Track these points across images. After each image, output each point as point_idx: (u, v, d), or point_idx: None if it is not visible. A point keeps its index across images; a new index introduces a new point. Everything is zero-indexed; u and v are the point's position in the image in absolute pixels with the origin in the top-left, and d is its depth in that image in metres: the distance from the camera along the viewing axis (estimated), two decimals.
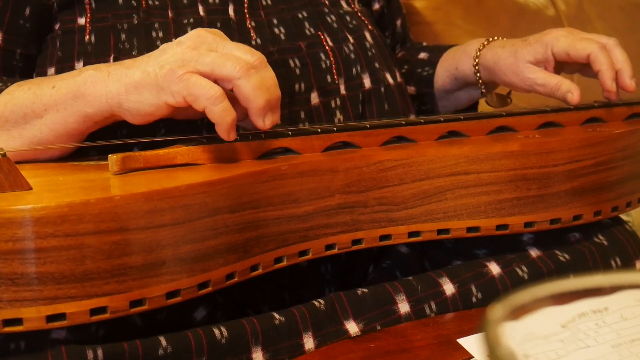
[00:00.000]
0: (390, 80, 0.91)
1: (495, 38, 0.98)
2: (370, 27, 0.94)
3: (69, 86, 0.71)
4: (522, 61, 0.91)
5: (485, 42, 0.97)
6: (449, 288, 0.73)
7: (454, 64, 1.01)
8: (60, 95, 0.71)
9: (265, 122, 0.68)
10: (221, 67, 0.66)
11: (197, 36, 0.69)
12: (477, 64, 0.97)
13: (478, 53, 0.96)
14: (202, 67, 0.66)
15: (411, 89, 1.07)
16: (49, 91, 0.72)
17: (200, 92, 0.65)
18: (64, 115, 0.71)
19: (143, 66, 0.67)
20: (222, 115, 0.65)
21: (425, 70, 1.05)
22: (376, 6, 1.06)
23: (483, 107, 1.10)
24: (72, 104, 0.70)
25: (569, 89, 0.88)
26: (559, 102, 0.90)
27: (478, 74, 0.97)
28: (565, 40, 0.89)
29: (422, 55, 1.08)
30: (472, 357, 0.63)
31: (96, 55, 0.79)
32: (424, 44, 1.15)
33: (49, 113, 0.72)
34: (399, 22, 1.12)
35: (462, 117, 0.82)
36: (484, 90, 1.00)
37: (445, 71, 1.03)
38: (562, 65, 0.94)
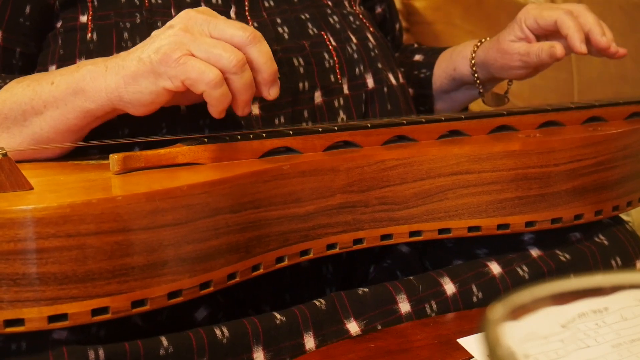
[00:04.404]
0: (393, 80, 0.91)
1: (488, 38, 1.01)
2: (371, 29, 0.94)
3: (68, 82, 0.70)
4: (504, 42, 0.95)
5: (479, 43, 1.01)
6: (449, 288, 0.73)
7: (452, 65, 1.04)
8: (60, 91, 0.71)
9: (243, 111, 0.70)
10: (217, 57, 0.66)
11: (188, 18, 0.68)
12: (473, 65, 1.00)
13: (473, 54, 1.00)
14: (198, 53, 0.66)
15: (409, 91, 1.08)
16: (48, 87, 0.71)
17: (199, 76, 0.65)
18: (64, 111, 0.71)
19: (138, 55, 0.67)
20: (220, 99, 0.66)
21: (422, 72, 1.08)
22: (378, 10, 1.07)
23: (482, 106, 1.10)
24: (72, 100, 0.70)
25: (551, 44, 0.91)
26: (560, 101, 0.90)
27: (475, 74, 1.00)
28: (533, 12, 0.93)
29: (417, 57, 1.10)
30: (472, 357, 0.63)
31: (98, 54, 0.79)
32: (416, 45, 1.19)
33: (49, 109, 0.72)
34: (397, 27, 1.14)
35: (463, 116, 0.82)
36: (481, 90, 1.02)
37: (442, 72, 1.06)
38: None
